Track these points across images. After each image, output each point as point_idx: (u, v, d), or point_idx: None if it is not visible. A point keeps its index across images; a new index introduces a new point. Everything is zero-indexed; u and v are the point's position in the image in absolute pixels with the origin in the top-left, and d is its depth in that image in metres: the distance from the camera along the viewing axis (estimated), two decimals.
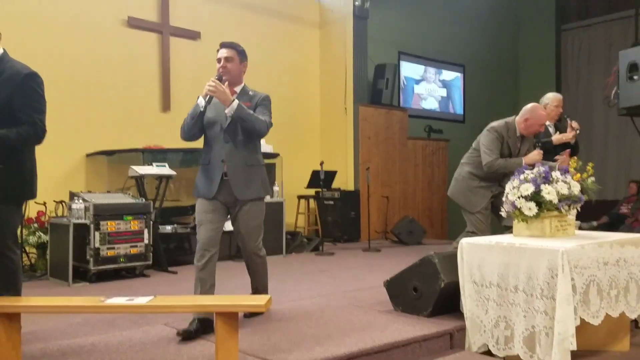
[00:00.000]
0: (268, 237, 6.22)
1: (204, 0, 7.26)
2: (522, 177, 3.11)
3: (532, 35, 10.94)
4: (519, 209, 3.07)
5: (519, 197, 3.05)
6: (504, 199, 3.11)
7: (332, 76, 8.41)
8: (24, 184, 2.80)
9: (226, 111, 3.08)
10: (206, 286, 3.05)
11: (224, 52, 3.30)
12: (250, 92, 3.35)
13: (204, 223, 3.16)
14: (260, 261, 3.47)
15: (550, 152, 4.67)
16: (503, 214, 3.16)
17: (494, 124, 4.21)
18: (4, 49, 2.85)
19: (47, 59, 5.97)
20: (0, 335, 2.22)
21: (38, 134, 2.79)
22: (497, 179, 4.22)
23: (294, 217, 7.65)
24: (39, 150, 5.91)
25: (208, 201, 3.19)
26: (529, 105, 4.22)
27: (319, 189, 7.24)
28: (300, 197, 7.70)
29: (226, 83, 3.19)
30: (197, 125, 3.22)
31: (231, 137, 3.17)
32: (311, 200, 7.77)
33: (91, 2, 6.29)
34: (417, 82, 9.57)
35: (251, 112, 3.15)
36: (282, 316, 3.39)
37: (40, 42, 5.95)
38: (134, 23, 6.53)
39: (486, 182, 4.20)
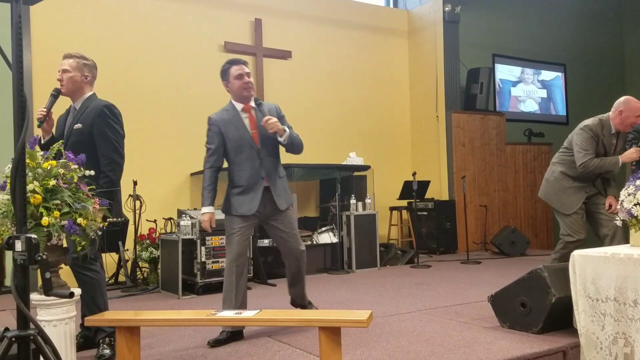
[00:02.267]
0: (362, 249, 6.29)
1: (294, 20, 7.49)
2: (638, 182, 2.87)
3: (638, 27, 10.11)
4: (636, 217, 2.83)
5: (635, 205, 2.82)
6: (618, 206, 2.88)
7: (422, 84, 8.30)
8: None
9: (281, 139, 3.24)
10: (241, 296, 3.24)
11: (243, 68, 3.31)
12: (263, 103, 3.39)
13: (238, 236, 3.27)
14: (304, 257, 3.59)
15: None
16: (618, 222, 2.93)
17: (588, 122, 4.02)
18: (94, 92, 3.19)
19: (151, 86, 6.46)
20: (122, 347, 2.40)
21: (115, 170, 3.05)
22: (591, 178, 4.02)
23: (387, 229, 7.60)
24: (149, 172, 6.35)
25: (243, 217, 3.28)
26: (622, 98, 4.01)
27: (412, 200, 7.15)
28: (392, 209, 7.64)
29: (267, 109, 3.34)
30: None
31: (266, 155, 3.31)
32: (404, 212, 7.68)
33: (191, 30, 6.73)
34: (514, 84, 9.18)
35: (295, 133, 3.34)
36: (382, 331, 3.37)
37: (145, 69, 6.45)
38: (231, 47, 6.88)
39: (580, 182, 4.02)
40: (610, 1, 10.16)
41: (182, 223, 5.00)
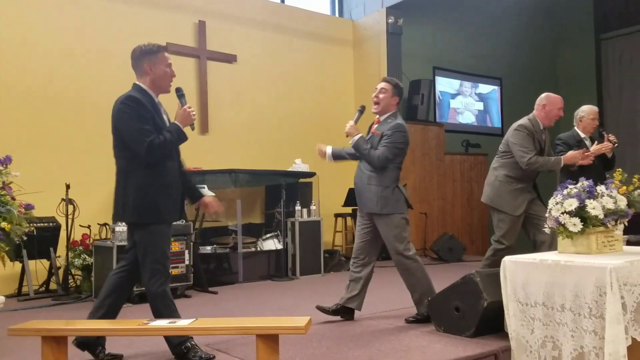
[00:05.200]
0: (306, 256, 6.29)
1: (239, 24, 7.43)
2: (565, 192, 3.02)
3: (571, 45, 10.71)
4: (564, 225, 2.98)
5: (562, 213, 2.96)
6: (547, 214, 3.02)
7: (367, 94, 8.40)
8: (128, 204, 2.91)
9: (350, 142, 3.78)
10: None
11: (380, 85, 3.83)
12: (389, 120, 3.78)
13: (357, 233, 3.91)
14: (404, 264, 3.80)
15: (592, 165, 4.54)
16: (547, 230, 3.07)
17: (521, 122, 4.19)
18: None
19: (90, 86, 6.22)
20: (48, 358, 2.28)
21: (138, 153, 2.86)
22: (532, 178, 4.17)
23: (332, 236, 7.64)
24: (83, 175, 6.11)
25: (358, 214, 3.90)
26: (542, 95, 4.28)
27: (356, 207, 7.22)
28: (337, 215, 7.69)
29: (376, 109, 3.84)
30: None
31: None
32: (348, 218, 7.75)
33: (130, 31, 6.53)
34: (453, 96, 9.49)
35: (367, 147, 3.71)
36: (322, 337, 3.37)
37: (82, 69, 6.21)
38: (173, 49, 6.72)
39: (523, 184, 4.13)
40: (545, 21, 10.70)
41: (117, 229, 4.83)
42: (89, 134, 6.14)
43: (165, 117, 3.05)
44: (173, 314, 2.86)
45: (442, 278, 5.13)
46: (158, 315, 2.87)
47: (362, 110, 3.88)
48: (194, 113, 2.99)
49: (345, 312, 3.81)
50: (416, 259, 3.69)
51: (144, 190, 2.87)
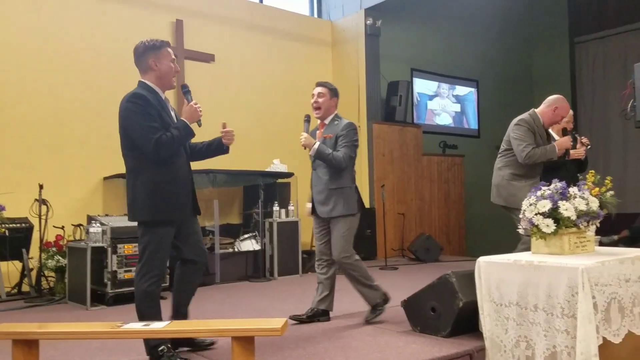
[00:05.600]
0: (284, 257, 6.27)
1: (217, 23, 7.38)
2: (539, 193, 3.07)
3: (546, 48, 10.90)
4: (537, 226, 3.02)
5: (536, 214, 3.01)
6: (520, 215, 3.06)
7: (345, 95, 8.39)
8: (140, 202, 2.88)
9: (310, 153, 3.75)
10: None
11: (317, 90, 3.83)
12: (336, 122, 3.82)
13: (316, 237, 3.89)
14: (349, 267, 3.81)
15: (566, 167, 4.62)
16: (521, 231, 3.11)
17: (522, 117, 4.14)
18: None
19: (64, 85, 6.11)
20: None
21: (144, 151, 2.83)
22: (537, 173, 4.11)
23: (310, 236, 7.63)
24: (57, 175, 6.01)
25: (315, 218, 3.86)
26: (555, 96, 4.17)
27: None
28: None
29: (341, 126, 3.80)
30: None
31: (317, 165, 3.81)
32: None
33: (107, 29, 6.44)
34: (431, 98, 9.57)
35: (329, 151, 3.68)
36: (299, 338, 3.37)
37: (58, 67, 6.09)
38: None
39: (531, 180, 4.03)
40: (521, 24, 10.86)
41: (91, 230, 4.75)
42: (63, 133, 6.03)
43: (172, 114, 3.03)
44: (155, 317, 2.82)
45: (419, 278, 5.18)
46: (140, 315, 2.83)
47: (308, 119, 3.84)
48: (200, 109, 2.97)
49: (320, 314, 3.82)
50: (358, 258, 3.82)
51: (153, 189, 2.84)
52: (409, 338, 3.29)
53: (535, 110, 4.20)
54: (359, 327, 3.63)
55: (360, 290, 3.81)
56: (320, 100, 3.79)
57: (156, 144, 2.76)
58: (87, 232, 4.84)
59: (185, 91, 3.05)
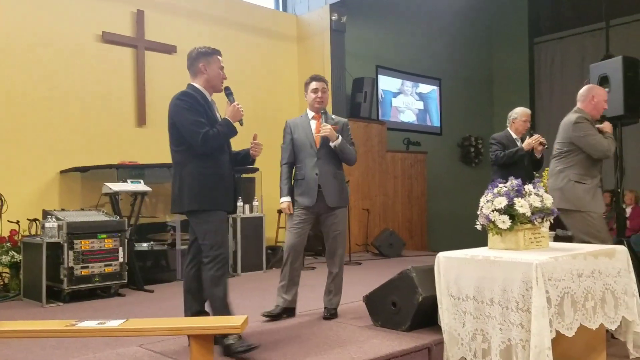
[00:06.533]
0: (248, 252, 6.23)
1: (180, 15, 7.25)
2: (495, 190, 3.14)
3: (506, 48, 11.14)
4: (494, 222, 3.09)
5: (493, 211, 3.07)
6: (478, 212, 3.13)
7: None
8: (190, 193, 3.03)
9: (332, 144, 3.74)
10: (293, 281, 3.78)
11: (320, 84, 3.86)
12: (333, 117, 3.91)
13: (296, 229, 3.80)
14: (341, 260, 3.94)
15: (522, 164, 4.75)
16: (478, 227, 3.18)
17: (575, 115, 4.00)
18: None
19: (20, 76, 5.89)
20: None
21: (193, 145, 3.03)
22: (598, 172, 4.02)
23: (275, 232, 7.61)
24: (12, 168, 5.82)
25: (303, 210, 3.77)
26: (586, 87, 4.10)
27: None
28: (280, 212, 7.65)
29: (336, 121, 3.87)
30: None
31: (323, 156, 3.79)
32: None
33: (65, 19, 6.23)
34: (395, 95, 9.66)
35: (347, 145, 3.80)
36: (260, 334, 3.35)
37: (14, 58, 5.87)
38: (109, 38, 6.49)
39: (594, 180, 3.95)
40: (482, 25, 11.08)
41: (47, 225, 4.61)
42: (18, 126, 5.82)
43: (217, 115, 3.25)
44: (225, 299, 3.00)
45: (382, 273, 5.22)
46: (212, 299, 3.01)
47: (325, 112, 3.84)
48: (242, 110, 3.21)
49: (286, 311, 3.82)
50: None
51: (200, 179, 3.03)
52: (370, 332, 3.32)
53: (579, 106, 4.08)
54: (320, 323, 3.64)
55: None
56: (324, 95, 3.88)
57: (204, 137, 2.98)
58: (43, 227, 4.70)
59: (227, 93, 3.27)
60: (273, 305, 3.82)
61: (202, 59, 3.17)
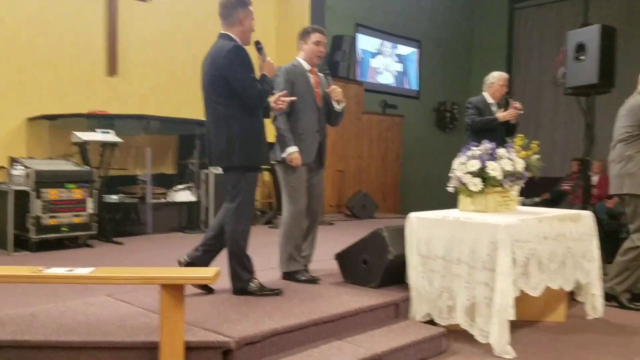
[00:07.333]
0: (220, 209, 6.17)
1: None
2: (469, 153, 3.17)
3: (486, 12, 11.08)
4: (465, 185, 3.14)
5: (465, 173, 3.11)
6: (450, 174, 3.16)
7: (288, 47, 8.25)
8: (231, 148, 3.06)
9: (338, 107, 3.73)
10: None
11: (323, 38, 3.70)
12: (326, 70, 3.89)
13: (304, 188, 3.59)
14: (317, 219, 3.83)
15: (496, 130, 4.79)
16: (450, 189, 3.22)
17: (636, 99, 3.88)
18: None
19: None
20: None
21: (247, 100, 3.06)
22: None
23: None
24: None
25: (304, 167, 3.58)
26: None
27: (274, 162, 7.19)
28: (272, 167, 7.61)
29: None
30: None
31: (321, 114, 3.70)
32: (266, 174, 7.71)
33: None
34: (373, 55, 9.55)
35: None
36: (229, 290, 3.37)
37: None
38: None
39: None
40: None
41: (14, 172, 4.50)
42: None
43: None
44: (245, 251, 3.17)
45: (353, 234, 5.27)
46: (236, 249, 3.13)
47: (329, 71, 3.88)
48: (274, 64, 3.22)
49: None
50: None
51: (251, 136, 3.07)
52: (341, 289, 3.38)
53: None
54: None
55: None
56: (324, 50, 3.76)
57: (260, 94, 3.03)
58: (10, 174, 4.57)
59: (259, 48, 3.20)
60: (300, 270, 3.63)
61: (240, 9, 3.13)
